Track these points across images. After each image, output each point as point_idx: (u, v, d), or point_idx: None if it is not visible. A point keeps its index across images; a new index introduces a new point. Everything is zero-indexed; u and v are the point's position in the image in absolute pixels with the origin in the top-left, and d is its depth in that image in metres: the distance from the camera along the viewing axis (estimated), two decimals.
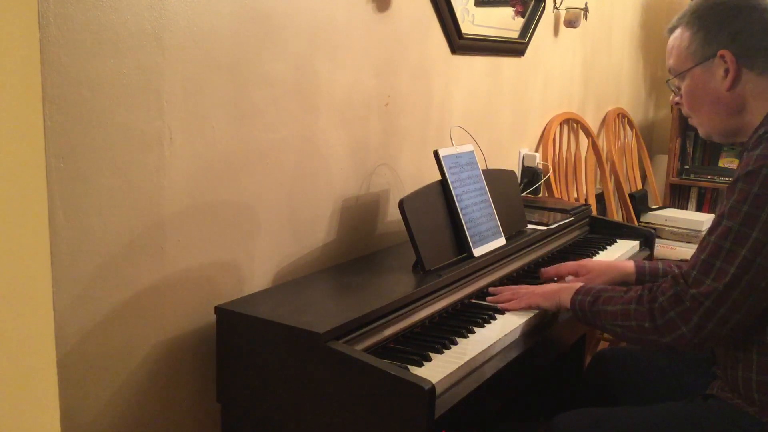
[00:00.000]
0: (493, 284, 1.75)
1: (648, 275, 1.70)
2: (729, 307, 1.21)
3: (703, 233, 3.36)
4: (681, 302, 1.25)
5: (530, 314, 1.55)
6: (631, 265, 1.72)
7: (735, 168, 4.01)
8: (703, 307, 1.22)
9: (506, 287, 1.66)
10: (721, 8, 1.35)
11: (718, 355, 1.37)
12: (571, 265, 1.78)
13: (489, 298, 1.63)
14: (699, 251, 1.27)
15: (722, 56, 1.33)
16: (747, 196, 1.21)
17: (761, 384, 1.25)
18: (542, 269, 1.80)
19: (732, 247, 1.21)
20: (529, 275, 1.85)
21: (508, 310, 1.56)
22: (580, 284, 1.49)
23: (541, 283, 1.71)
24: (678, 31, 1.41)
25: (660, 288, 1.30)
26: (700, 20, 1.37)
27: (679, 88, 1.43)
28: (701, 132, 1.44)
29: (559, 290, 1.52)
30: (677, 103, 1.46)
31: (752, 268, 1.19)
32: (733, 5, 1.34)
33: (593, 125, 3.35)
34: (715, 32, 1.34)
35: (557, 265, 1.81)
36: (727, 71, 1.33)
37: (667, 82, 1.48)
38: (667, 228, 3.33)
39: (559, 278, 1.78)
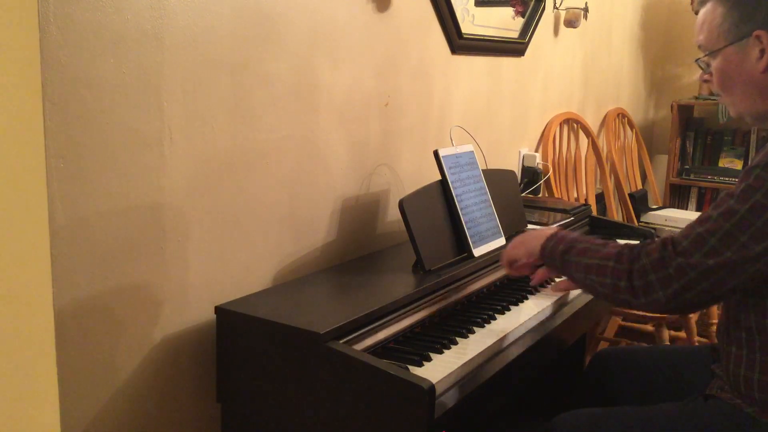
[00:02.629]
0: (494, 284, 1.75)
1: None
2: (711, 284, 1.19)
3: None
4: (664, 268, 1.22)
5: (530, 315, 1.55)
6: None
7: (735, 168, 3.97)
8: (687, 277, 1.20)
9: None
10: None
11: (720, 353, 1.37)
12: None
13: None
14: (698, 223, 1.23)
15: (758, 37, 1.27)
16: (762, 184, 1.17)
17: (763, 384, 1.25)
18: (532, 277, 1.77)
19: (732, 230, 1.18)
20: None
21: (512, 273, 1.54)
22: (553, 230, 1.45)
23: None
24: (710, 6, 1.34)
25: (645, 249, 1.26)
26: None
27: (708, 65, 1.37)
28: (732, 112, 1.39)
29: (531, 238, 1.47)
30: (706, 81, 1.40)
31: (747, 256, 1.17)
32: None
33: (593, 125, 3.35)
34: (751, 10, 1.28)
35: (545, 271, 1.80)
36: (762, 52, 1.27)
37: (697, 60, 1.41)
38: (667, 228, 3.33)
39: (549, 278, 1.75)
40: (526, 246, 1.48)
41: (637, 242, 1.32)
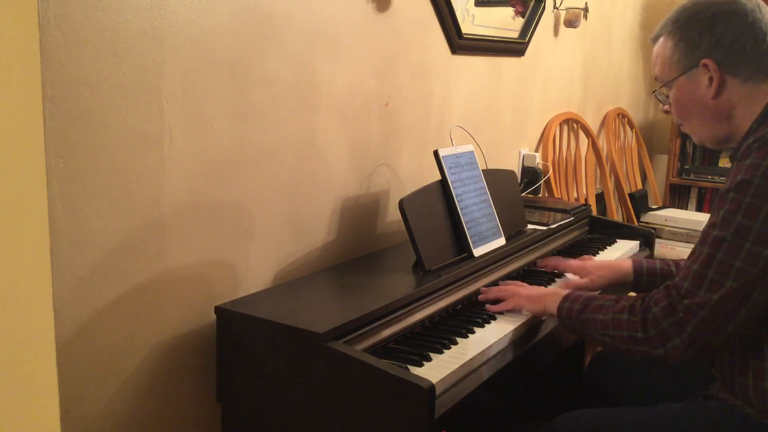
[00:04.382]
0: (494, 284, 1.75)
1: (645, 274, 1.72)
2: (723, 318, 1.19)
3: None
4: (674, 313, 1.22)
5: (529, 315, 1.54)
6: (628, 264, 1.74)
7: None
8: (697, 317, 1.20)
9: (495, 287, 1.64)
10: (701, 16, 1.33)
11: (716, 359, 1.37)
12: (572, 265, 1.82)
13: (480, 296, 1.63)
14: (691, 261, 1.25)
15: (705, 65, 1.32)
16: (740, 206, 1.19)
17: (758, 389, 1.25)
18: (543, 261, 1.86)
19: (725, 258, 1.19)
20: (529, 275, 1.85)
21: (492, 311, 1.56)
22: (567, 291, 1.47)
23: (539, 275, 1.75)
24: (661, 41, 1.40)
25: (653, 298, 1.27)
26: (681, 29, 1.35)
27: (667, 97, 1.43)
28: (694, 139, 1.44)
29: (545, 295, 1.50)
30: (666, 112, 1.46)
31: (747, 281, 1.17)
32: (713, 13, 1.32)
33: (593, 125, 3.35)
34: (696, 41, 1.33)
35: (559, 260, 1.86)
36: (711, 79, 1.32)
37: (654, 92, 1.48)
38: (667, 228, 3.33)
39: (558, 271, 1.85)
40: (542, 304, 1.49)
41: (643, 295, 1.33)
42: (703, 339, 1.21)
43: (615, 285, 1.76)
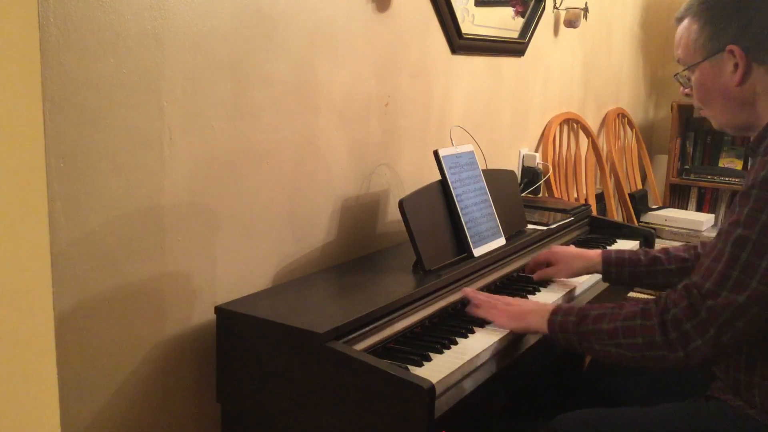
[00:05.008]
0: (494, 284, 1.75)
1: (613, 264, 1.70)
2: (748, 320, 1.16)
3: (703, 233, 3.37)
4: (697, 314, 1.18)
5: None
6: (597, 254, 1.73)
7: (735, 168, 3.96)
8: (721, 318, 1.16)
9: (484, 294, 1.57)
10: (728, 0, 1.30)
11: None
12: (543, 254, 1.81)
13: (464, 290, 1.56)
14: (712, 260, 1.20)
15: (731, 51, 1.29)
16: (765, 203, 1.16)
17: (764, 388, 1.25)
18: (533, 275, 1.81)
19: (750, 258, 1.15)
20: (529, 275, 1.84)
21: (471, 314, 1.50)
22: (552, 305, 1.40)
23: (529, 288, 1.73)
24: (686, 22, 1.36)
25: (670, 299, 1.23)
26: (707, 12, 1.32)
27: (689, 79, 1.39)
28: (714, 124, 1.41)
29: (528, 312, 1.42)
30: (687, 95, 1.42)
31: None
32: None
33: (593, 125, 3.35)
34: (723, 26, 1.30)
35: (533, 259, 1.84)
36: (736, 66, 1.29)
37: (675, 75, 1.44)
38: (666, 228, 3.33)
39: (539, 268, 1.80)
40: (524, 321, 1.41)
41: (651, 297, 1.29)
42: (725, 341, 1.17)
43: (584, 274, 1.77)
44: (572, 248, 1.85)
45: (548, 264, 1.79)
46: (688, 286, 1.22)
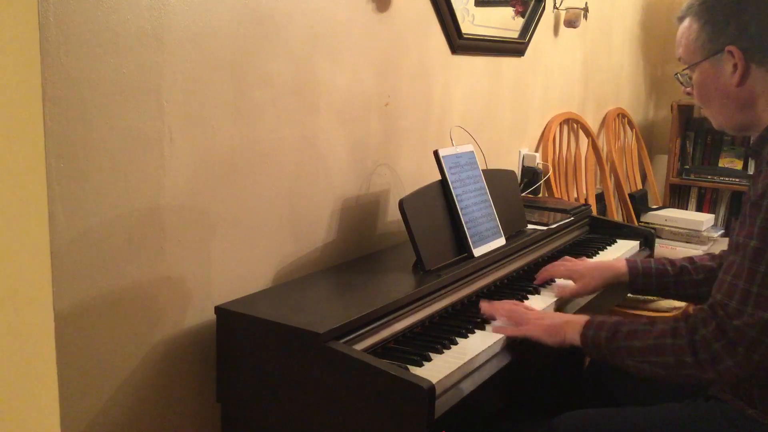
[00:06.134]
0: (494, 284, 1.75)
1: (641, 275, 1.67)
2: None
3: (703, 233, 3.35)
4: (725, 334, 1.17)
5: None
6: (623, 265, 1.70)
7: (735, 168, 3.95)
8: (748, 337, 1.16)
9: (500, 304, 1.52)
10: (728, 0, 1.30)
11: None
12: (562, 271, 1.75)
13: (482, 311, 1.51)
14: (732, 276, 1.20)
15: (730, 52, 1.29)
16: None
17: (763, 388, 1.25)
18: (536, 276, 1.77)
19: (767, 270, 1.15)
20: (529, 276, 1.84)
21: (507, 335, 1.44)
22: (586, 317, 1.38)
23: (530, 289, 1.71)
24: (687, 21, 1.37)
25: (698, 318, 1.22)
26: (707, 12, 1.32)
27: (690, 79, 1.39)
28: (714, 124, 1.41)
29: (564, 324, 1.39)
30: (688, 94, 1.42)
31: None
32: None
33: (593, 125, 3.35)
34: (722, 26, 1.30)
35: (549, 269, 1.77)
36: (735, 67, 1.29)
37: (676, 74, 1.44)
38: (667, 228, 3.33)
39: (552, 279, 1.76)
40: (561, 335, 1.38)
41: (680, 309, 1.28)
42: (756, 359, 1.17)
43: (610, 286, 1.72)
44: (587, 261, 1.82)
45: (570, 279, 1.73)
46: (714, 305, 1.21)
